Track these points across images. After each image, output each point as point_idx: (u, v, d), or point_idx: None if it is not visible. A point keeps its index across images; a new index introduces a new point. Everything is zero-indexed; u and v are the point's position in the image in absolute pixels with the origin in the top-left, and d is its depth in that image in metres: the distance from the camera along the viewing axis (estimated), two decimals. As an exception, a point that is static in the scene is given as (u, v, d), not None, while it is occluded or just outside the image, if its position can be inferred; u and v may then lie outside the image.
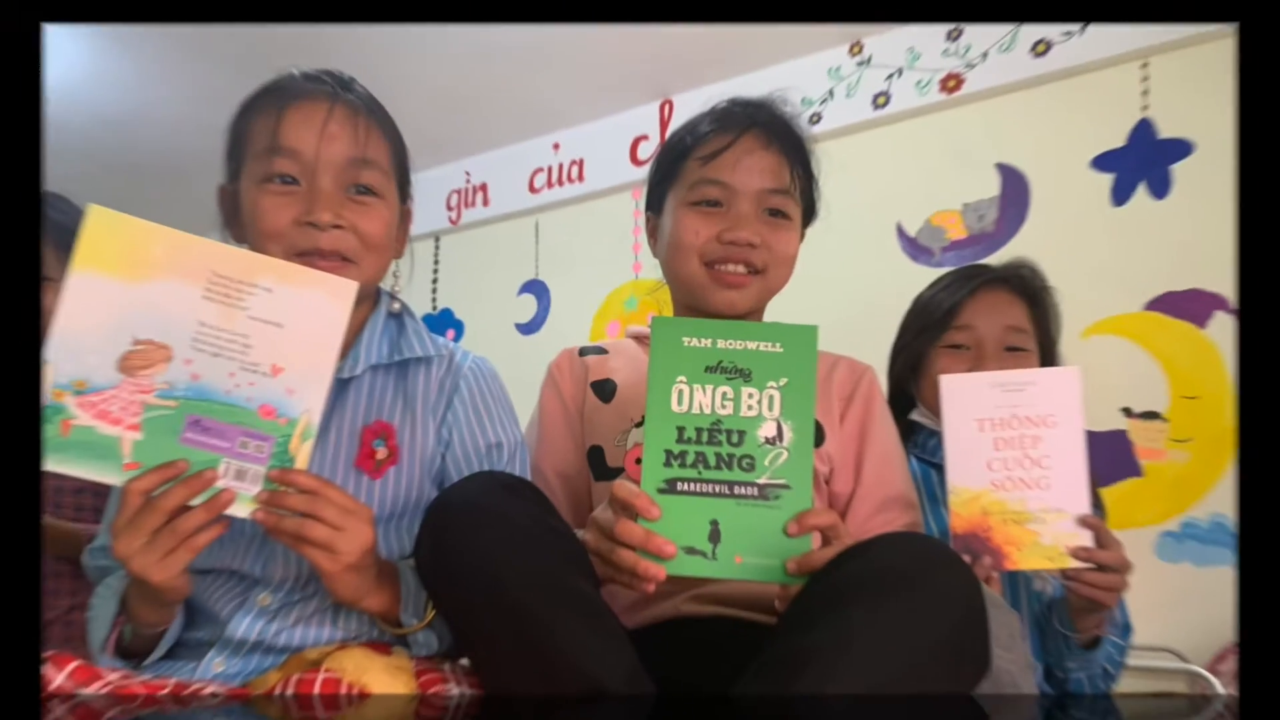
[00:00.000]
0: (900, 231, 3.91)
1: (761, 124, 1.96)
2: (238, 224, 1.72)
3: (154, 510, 1.36)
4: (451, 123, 4.84)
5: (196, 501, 1.38)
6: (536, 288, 4.99)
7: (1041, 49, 3.61)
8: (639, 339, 2.16)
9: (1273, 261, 1.19)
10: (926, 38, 3.91)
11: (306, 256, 1.62)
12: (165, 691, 1.47)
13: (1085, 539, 1.88)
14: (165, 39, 4.13)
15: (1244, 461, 1.18)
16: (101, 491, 2.34)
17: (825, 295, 3.51)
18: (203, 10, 3.11)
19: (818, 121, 4.09)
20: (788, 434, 1.50)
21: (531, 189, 4.99)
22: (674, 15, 3.49)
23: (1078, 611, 2.06)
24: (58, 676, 1.41)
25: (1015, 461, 1.90)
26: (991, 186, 3.72)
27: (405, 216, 1.85)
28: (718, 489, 1.48)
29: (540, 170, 4.98)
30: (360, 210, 1.67)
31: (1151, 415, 3.28)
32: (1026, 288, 2.39)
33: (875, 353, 2.34)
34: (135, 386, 1.39)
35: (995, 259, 2.60)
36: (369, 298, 1.81)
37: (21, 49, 1.28)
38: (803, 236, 2.05)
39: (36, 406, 1.35)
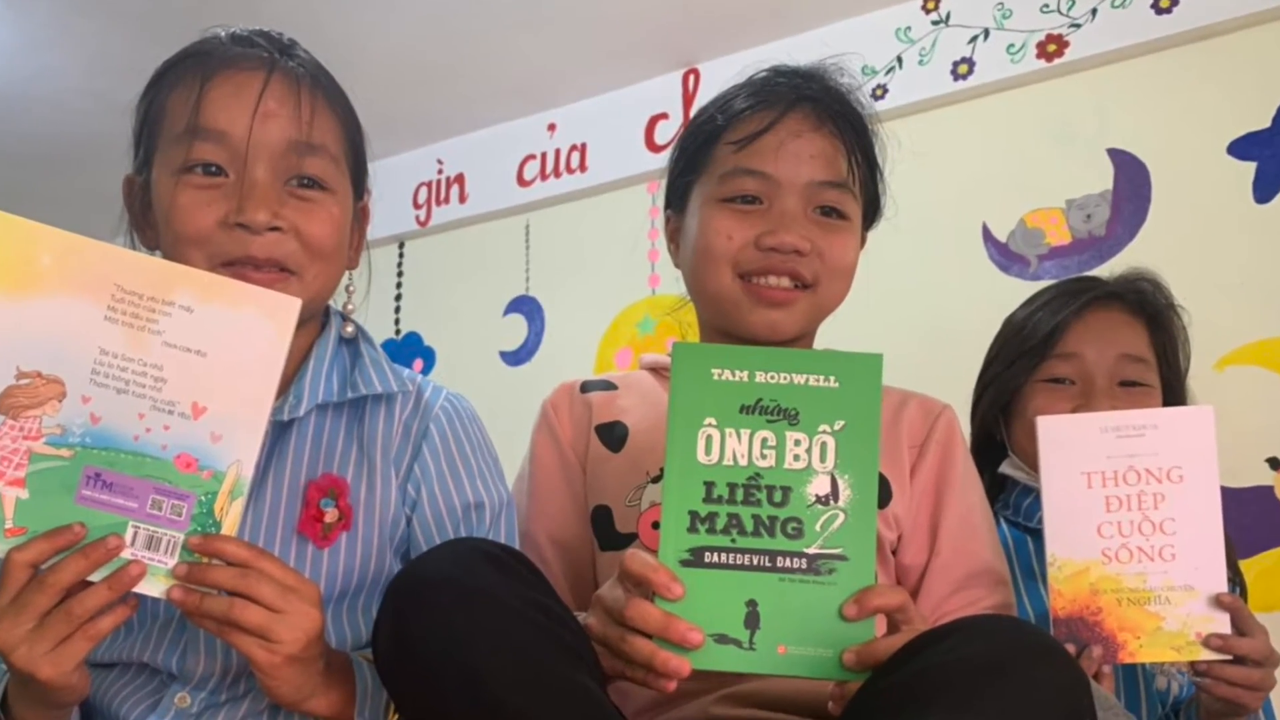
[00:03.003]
0: (987, 235, 3.91)
1: (811, 99, 1.96)
2: (148, 225, 1.73)
3: (43, 588, 1.35)
4: (419, 97, 4.85)
5: (96, 577, 1.37)
6: (527, 306, 5.00)
7: (1165, 3, 3.61)
8: (656, 371, 2.16)
9: None
10: (1019, -11, 3.93)
11: (236, 266, 1.62)
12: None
13: (1221, 624, 1.87)
14: (58, -7, 4.15)
15: None
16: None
17: (892, 315, 3.51)
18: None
19: (883, 96, 4.10)
20: (845, 491, 1.50)
21: (521, 181, 5.01)
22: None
23: (1212, 715, 2.06)
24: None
25: (1133, 526, 1.89)
26: (1103, 178, 3.72)
27: (361, 216, 1.86)
28: (756, 561, 1.48)
29: (532, 158, 4.99)
30: (304, 208, 1.68)
31: (1306, 467, 3.28)
32: (1146, 306, 2.39)
33: (956, 388, 2.34)
34: (19, 431, 1.39)
35: (1107, 270, 2.60)
36: (315, 318, 1.82)
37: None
38: (864, 241, 2.05)
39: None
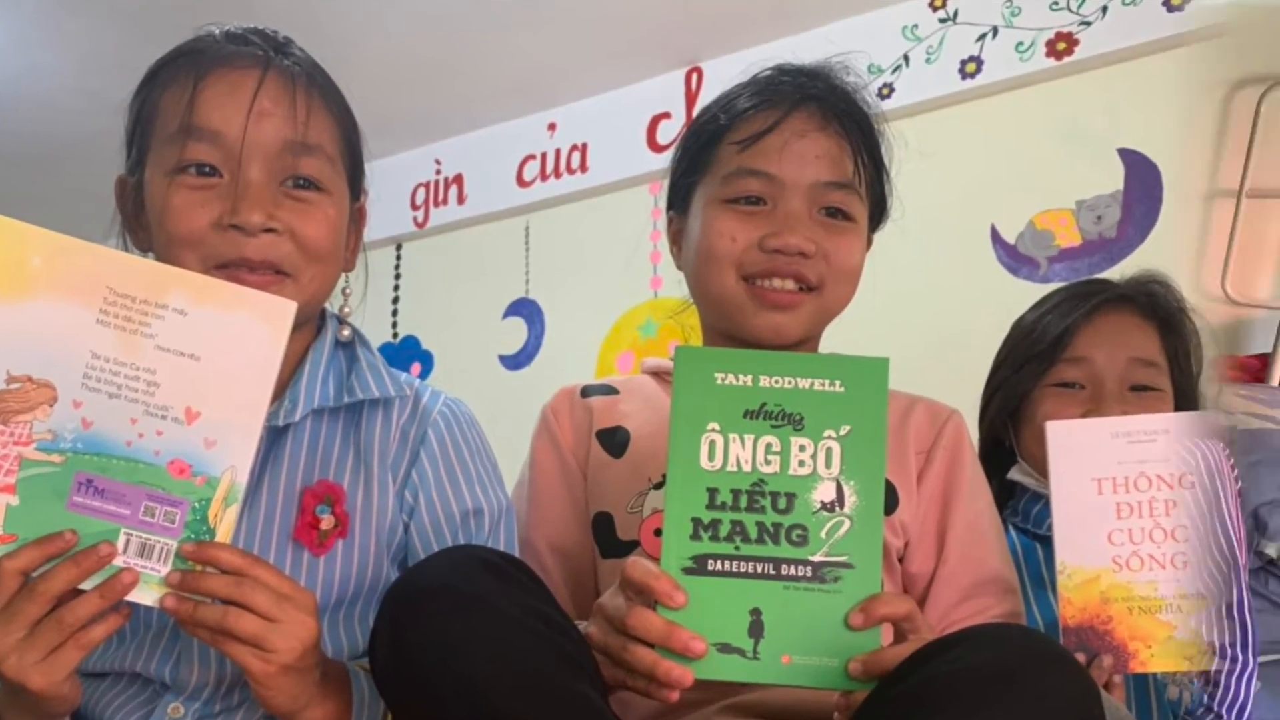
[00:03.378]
0: (996, 236, 3.91)
1: (816, 98, 1.96)
2: (141, 227, 1.72)
3: (34, 596, 1.35)
4: (417, 97, 4.85)
5: (88, 585, 1.37)
6: (526, 309, 4.99)
7: (1177, 1, 3.61)
8: (658, 375, 2.15)
9: None
10: (1028, -14, 3.92)
11: (230, 269, 1.62)
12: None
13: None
14: (47, -10, 4.15)
15: None
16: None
17: (899, 318, 3.51)
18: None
19: (889, 95, 4.10)
20: (850, 498, 1.49)
21: (520, 182, 5.00)
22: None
23: (1224, 726, 2.06)
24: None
25: (1144, 533, 1.89)
26: (1113, 178, 3.72)
27: (357, 217, 1.85)
28: (760, 569, 1.47)
29: (532, 158, 4.99)
30: (299, 209, 1.67)
31: (1322, 473, 3.27)
32: (1158, 309, 2.38)
33: (963, 393, 2.33)
34: (9, 436, 1.39)
35: (1117, 272, 2.59)
36: (310, 321, 1.81)
37: None
38: (870, 243, 2.05)
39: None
